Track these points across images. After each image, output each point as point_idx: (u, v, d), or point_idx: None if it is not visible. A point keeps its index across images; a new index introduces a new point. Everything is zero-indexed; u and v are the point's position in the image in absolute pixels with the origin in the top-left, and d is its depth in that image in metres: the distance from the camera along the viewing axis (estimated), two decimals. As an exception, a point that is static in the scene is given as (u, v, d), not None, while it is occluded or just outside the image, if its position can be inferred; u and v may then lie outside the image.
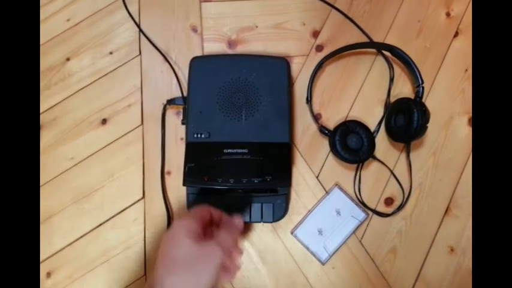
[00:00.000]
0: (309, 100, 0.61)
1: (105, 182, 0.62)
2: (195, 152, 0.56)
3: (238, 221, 0.47)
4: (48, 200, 0.61)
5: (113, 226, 0.61)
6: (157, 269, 0.41)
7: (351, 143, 0.58)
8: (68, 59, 0.68)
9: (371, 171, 0.62)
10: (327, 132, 0.60)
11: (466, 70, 0.65)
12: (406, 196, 0.60)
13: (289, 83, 0.61)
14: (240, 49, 0.67)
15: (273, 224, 0.60)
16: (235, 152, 0.55)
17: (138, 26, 0.68)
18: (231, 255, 0.43)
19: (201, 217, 0.44)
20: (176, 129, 0.63)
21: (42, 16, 0.70)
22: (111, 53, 0.68)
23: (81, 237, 0.60)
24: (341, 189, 0.61)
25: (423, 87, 0.58)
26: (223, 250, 0.41)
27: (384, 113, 0.63)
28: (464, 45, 0.66)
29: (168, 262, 0.40)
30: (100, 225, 0.61)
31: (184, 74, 0.65)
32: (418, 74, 0.59)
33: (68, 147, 0.64)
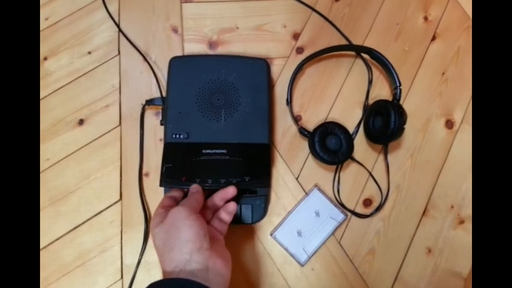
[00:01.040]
0: (289, 102, 0.61)
1: (82, 183, 0.61)
2: (173, 153, 0.55)
3: (193, 186, 0.52)
4: (22, 202, 0.60)
5: (89, 229, 0.59)
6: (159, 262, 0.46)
7: (329, 144, 0.58)
8: (45, 58, 0.66)
9: (350, 172, 0.62)
10: (306, 133, 0.60)
11: (443, 73, 0.66)
12: (384, 197, 0.61)
13: (269, 83, 0.61)
14: (221, 50, 0.67)
15: (252, 225, 0.59)
16: (214, 152, 0.55)
17: (118, 25, 0.68)
18: (199, 205, 0.49)
19: (163, 207, 0.49)
20: (155, 130, 0.63)
21: (19, 15, 0.68)
22: (89, 52, 0.67)
23: (56, 240, 0.59)
24: (320, 190, 0.61)
25: (400, 90, 0.59)
26: (184, 205, 0.46)
27: (363, 115, 0.63)
28: (441, 49, 0.67)
29: (158, 251, 0.45)
30: (76, 227, 0.59)
31: (164, 74, 0.64)
32: (395, 76, 0.59)
33: (44, 147, 0.62)
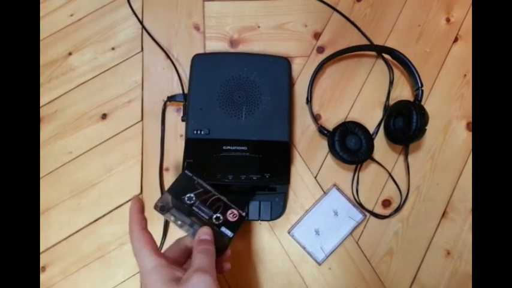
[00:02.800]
0: (309, 100, 0.62)
1: (103, 177, 0.62)
2: (194, 148, 0.56)
3: (203, 231, 0.42)
4: (45, 194, 0.61)
5: (109, 221, 0.60)
6: None
7: (349, 144, 0.58)
8: (70, 54, 0.68)
9: (369, 172, 0.62)
10: (326, 132, 0.60)
11: (465, 75, 0.66)
12: (403, 199, 0.60)
13: (290, 82, 0.61)
14: (242, 49, 0.68)
15: (270, 223, 0.60)
16: (235, 149, 0.56)
17: (141, 22, 0.69)
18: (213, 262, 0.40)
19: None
20: (176, 126, 0.64)
21: (45, 11, 0.70)
22: (113, 48, 0.68)
23: (77, 231, 0.60)
24: (339, 190, 0.61)
25: (422, 91, 0.59)
26: (207, 272, 0.37)
27: (383, 115, 0.63)
28: (463, 50, 0.67)
29: None
30: (96, 220, 0.60)
31: (185, 71, 0.65)
32: (417, 77, 0.59)
33: (67, 141, 0.64)
